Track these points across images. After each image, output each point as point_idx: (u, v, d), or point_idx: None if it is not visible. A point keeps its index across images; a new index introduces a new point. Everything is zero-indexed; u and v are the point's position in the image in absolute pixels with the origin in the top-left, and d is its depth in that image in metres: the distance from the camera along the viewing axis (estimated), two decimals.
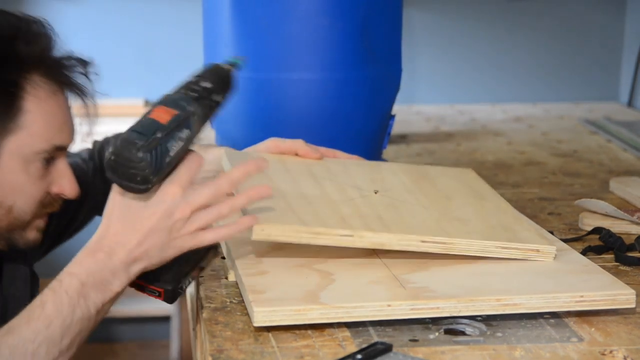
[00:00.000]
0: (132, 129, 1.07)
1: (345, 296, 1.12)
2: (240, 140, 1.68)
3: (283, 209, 1.23)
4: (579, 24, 3.00)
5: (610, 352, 1.06)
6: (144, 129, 1.07)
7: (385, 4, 1.75)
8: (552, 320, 1.14)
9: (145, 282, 1.17)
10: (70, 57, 1.28)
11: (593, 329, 1.12)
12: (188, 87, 1.14)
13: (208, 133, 2.37)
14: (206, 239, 1.13)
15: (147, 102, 2.87)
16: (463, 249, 1.22)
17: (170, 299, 1.18)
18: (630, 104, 2.92)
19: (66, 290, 1.09)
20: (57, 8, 2.84)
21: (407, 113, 2.75)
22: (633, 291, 1.14)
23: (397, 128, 2.39)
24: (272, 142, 1.46)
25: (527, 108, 2.87)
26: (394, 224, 1.23)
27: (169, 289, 1.17)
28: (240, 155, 1.41)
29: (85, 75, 1.30)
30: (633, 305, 1.14)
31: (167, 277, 1.17)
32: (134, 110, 2.73)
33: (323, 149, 1.50)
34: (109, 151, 1.06)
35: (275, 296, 1.12)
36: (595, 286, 1.15)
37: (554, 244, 1.26)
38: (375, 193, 1.34)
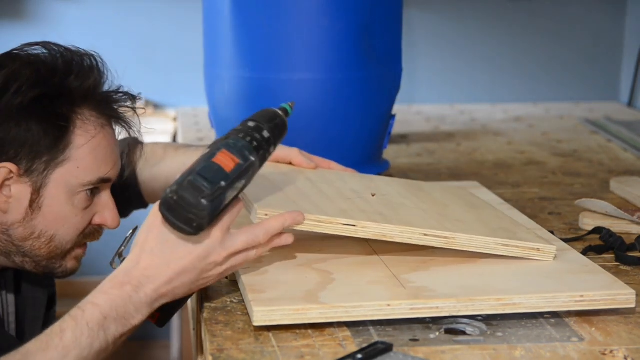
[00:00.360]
0: (198, 173, 1.05)
1: (345, 296, 1.12)
2: None
3: (284, 199, 1.23)
4: (579, 24, 3.00)
5: (611, 351, 1.06)
6: (211, 176, 1.05)
7: (386, 4, 1.75)
8: (552, 320, 1.14)
9: None
10: (118, 91, 1.29)
11: (593, 329, 1.12)
12: (250, 134, 1.11)
13: (209, 133, 2.37)
14: (224, 274, 1.14)
15: (147, 102, 2.87)
16: (464, 244, 1.22)
17: (162, 324, 1.18)
18: (630, 104, 2.92)
19: (88, 321, 1.08)
20: (57, 8, 2.84)
21: (407, 113, 2.75)
22: (633, 291, 1.14)
23: (397, 128, 2.39)
24: None
25: (527, 108, 2.87)
26: (395, 220, 1.23)
27: (165, 314, 1.17)
28: None
29: (133, 109, 1.31)
30: (633, 305, 1.14)
31: (167, 303, 1.15)
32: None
33: (318, 159, 1.50)
34: (171, 189, 1.05)
35: (275, 296, 1.12)
36: (596, 286, 1.15)
37: (554, 245, 1.26)
38: (373, 195, 1.34)
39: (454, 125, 2.59)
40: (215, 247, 1.10)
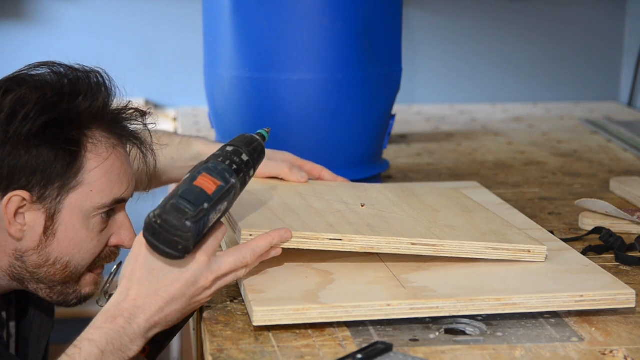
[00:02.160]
0: (180, 196, 1.05)
1: (345, 296, 1.12)
2: None
3: (270, 217, 1.24)
4: (580, 24, 3.00)
5: (611, 351, 1.06)
6: (194, 198, 1.05)
7: (386, 4, 1.75)
8: (552, 320, 1.14)
9: None
10: (128, 108, 1.27)
11: (593, 329, 1.12)
12: (230, 158, 1.12)
13: (209, 133, 2.37)
14: (215, 295, 1.14)
15: (147, 102, 2.87)
16: (453, 251, 1.22)
17: (153, 356, 1.18)
18: (630, 104, 2.92)
19: (86, 358, 1.08)
20: (57, 8, 2.84)
21: (407, 113, 2.75)
22: (633, 291, 1.14)
23: (397, 128, 2.39)
24: None
25: (527, 108, 2.87)
26: (383, 231, 1.23)
27: (155, 347, 1.17)
28: None
29: (144, 125, 1.29)
30: (633, 305, 1.14)
31: (158, 336, 1.15)
32: None
33: (309, 166, 1.49)
34: (154, 213, 1.05)
35: (275, 296, 1.12)
36: (595, 286, 1.15)
37: (544, 245, 1.25)
38: (362, 206, 1.35)
39: (454, 125, 2.59)
40: (202, 272, 1.10)
